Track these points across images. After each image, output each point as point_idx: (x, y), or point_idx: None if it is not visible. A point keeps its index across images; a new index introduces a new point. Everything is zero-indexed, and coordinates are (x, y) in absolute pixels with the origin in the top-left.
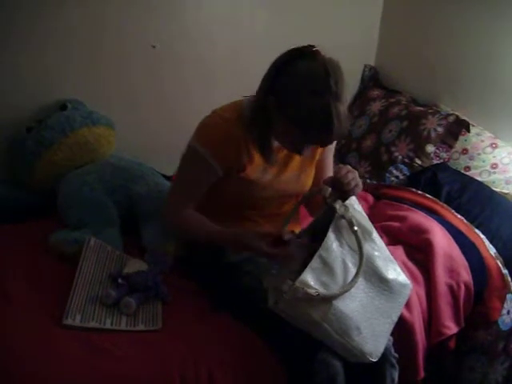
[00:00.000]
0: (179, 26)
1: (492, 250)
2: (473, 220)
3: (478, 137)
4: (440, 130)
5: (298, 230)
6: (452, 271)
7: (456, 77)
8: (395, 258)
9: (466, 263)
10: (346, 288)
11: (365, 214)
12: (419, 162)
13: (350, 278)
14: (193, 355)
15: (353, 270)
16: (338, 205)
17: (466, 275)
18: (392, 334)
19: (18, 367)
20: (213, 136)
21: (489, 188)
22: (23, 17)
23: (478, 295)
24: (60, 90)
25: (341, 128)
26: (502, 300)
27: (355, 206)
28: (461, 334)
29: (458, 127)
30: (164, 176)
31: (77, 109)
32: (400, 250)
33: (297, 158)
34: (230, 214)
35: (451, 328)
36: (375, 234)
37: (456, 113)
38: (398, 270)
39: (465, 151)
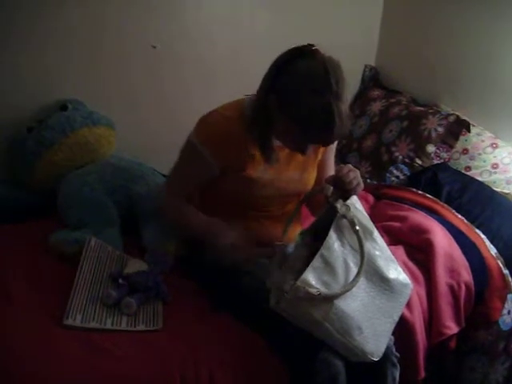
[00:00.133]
0: (179, 26)
1: (493, 250)
2: (473, 220)
3: (479, 137)
4: (440, 130)
5: (299, 230)
6: (453, 271)
7: (456, 77)
8: (396, 258)
9: (466, 263)
10: (348, 287)
11: (366, 214)
12: (420, 161)
13: (351, 278)
14: (193, 355)
15: (354, 270)
16: (339, 204)
17: (466, 275)
18: (393, 334)
19: (18, 367)
20: (212, 134)
21: (489, 188)
22: (23, 17)
23: (479, 295)
24: (60, 90)
25: (342, 127)
26: (503, 300)
27: (356, 206)
28: (461, 334)
29: (458, 127)
30: (164, 176)
31: (77, 109)
32: (401, 249)
33: (299, 158)
34: (234, 214)
35: (452, 328)
36: (376, 234)
37: (456, 113)
38: (399, 269)
39: (465, 151)
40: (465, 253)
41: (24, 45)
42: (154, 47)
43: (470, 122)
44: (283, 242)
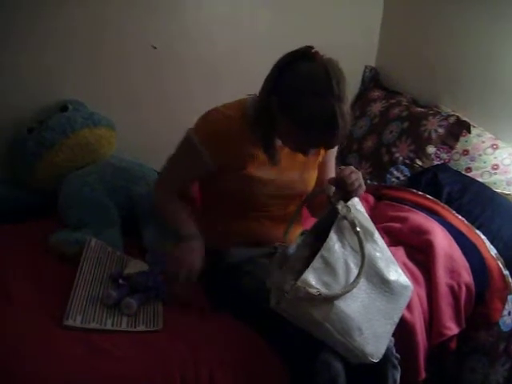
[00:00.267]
0: (179, 26)
1: (493, 251)
2: (474, 221)
3: (479, 138)
4: (441, 130)
5: (300, 231)
6: (453, 272)
7: (456, 77)
8: (396, 259)
9: (466, 264)
10: (348, 288)
11: (367, 215)
12: (420, 162)
13: (351, 279)
14: (193, 355)
15: (355, 271)
16: (340, 205)
17: (466, 276)
18: (393, 335)
19: (17, 367)
20: (212, 132)
21: (490, 189)
22: (23, 17)
23: (479, 296)
24: (61, 91)
25: (345, 129)
26: (503, 301)
27: (357, 207)
28: (462, 334)
29: (458, 128)
30: None
31: (78, 110)
32: (401, 250)
33: (299, 158)
34: (235, 214)
35: (452, 329)
36: (377, 235)
37: (457, 114)
38: (399, 271)
39: (465, 152)
40: (465, 254)
41: (24, 45)
42: (155, 47)
43: (471, 123)
44: (284, 242)
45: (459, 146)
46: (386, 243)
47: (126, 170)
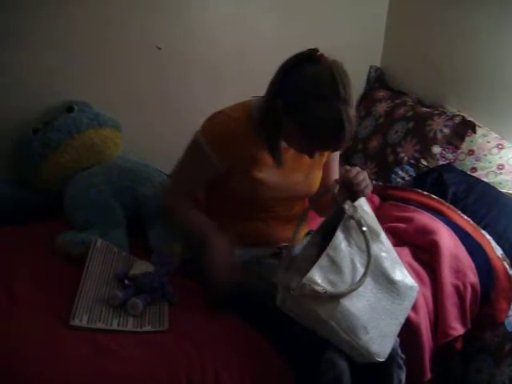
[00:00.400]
0: (184, 26)
1: (499, 251)
2: (479, 221)
3: (485, 138)
4: (446, 130)
5: (305, 231)
6: (458, 272)
7: (462, 77)
8: (401, 259)
9: (472, 264)
10: (354, 287)
11: (373, 216)
12: (425, 162)
13: (357, 278)
14: (199, 356)
15: (361, 270)
16: (347, 205)
17: (472, 276)
18: (398, 335)
19: (23, 367)
20: (218, 134)
21: (495, 189)
22: (23, 17)
23: (485, 296)
24: (66, 92)
25: (351, 132)
26: (509, 301)
27: (364, 207)
28: (467, 335)
29: (464, 128)
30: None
31: (83, 111)
32: (406, 250)
33: (304, 159)
34: (241, 215)
35: (457, 329)
36: (383, 236)
37: (462, 114)
38: (405, 272)
39: (471, 152)
40: (470, 254)
41: (24, 45)
42: (159, 48)
43: (476, 123)
44: (290, 243)
45: (464, 146)
46: (392, 243)
47: (132, 170)
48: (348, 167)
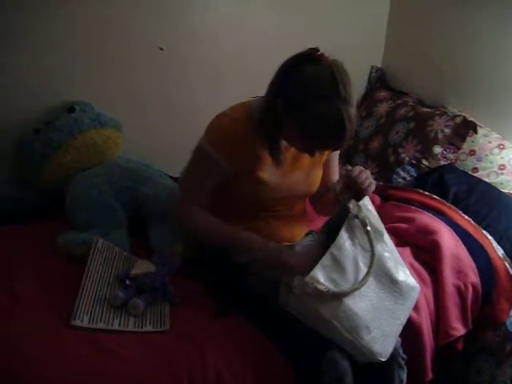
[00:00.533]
0: (185, 27)
1: (500, 252)
2: (480, 221)
3: (486, 138)
4: (447, 131)
5: (306, 230)
6: (459, 272)
7: (463, 78)
8: (403, 259)
9: (473, 264)
10: (357, 286)
11: (377, 216)
12: (426, 163)
13: (360, 277)
14: (201, 356)
15: (364, 270)
16: (351, 204)
17: (473, 276)
18: (400, 335)
19: (24, 367)
20: (223, 137)
21: (496, 189)
22: (23, 17)
23: (486, 297)
24: (66, 92)
25: (352, 131)
26: (510, 301)
27: (369, 207)
28: (468, 335)
29: (465, 128)
30: (171, 177)
31: (85, 111)
32: (407, 251)
33: (304, 159)
34: (243, 214)
35: (459, 329)
36: (386, 236)
37: (463, 114)
38: (407, 272)
39: (472, 152)
40: (472, 254)
41: (24, 45)
42: (162, 49)
43: (477, 123)
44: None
45: (466, 147)
46: (393, 243)
47: (133, 170)
48: (349, 167)
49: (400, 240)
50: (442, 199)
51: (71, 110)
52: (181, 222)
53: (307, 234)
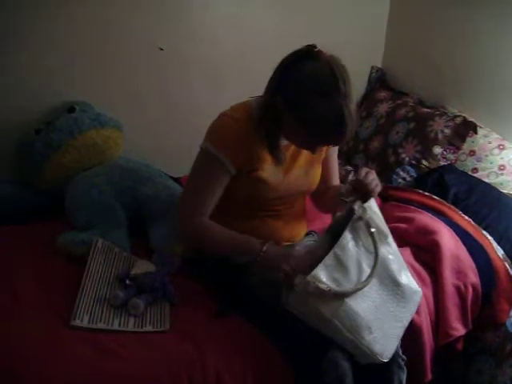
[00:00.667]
0: (185, 27)
1: (500, 252)
2: (480, 221)
3: (486, 138)
4: (447, 131)
5: (305, 230)
6: (459, 273)
7: (463, 78)
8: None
9: (473, 265)
10: (359, 286)
11: (382, 218)
12: (426, 163)
13: (363, 278)
14: (201, 356)
15: (367, 271)
16: (356, 206)
17: (473, 277)
18: None
19: (24, 367)
20: (225, 138)
21: (496, 190)
22: (23, 17)
23: (486, 297)
24: (67, 92)
25: (352, 127)
26: (510, 302)
27: (374, 209)
28: (468, 335)
29: (465, 129)
30: (171, 177)
31: (85, 111)
32: (407, 251)
33: (303, 156)
34: (242, 214)
35: (459, 330)
36: (391, 238)
37: (463, 114)
38: (410, 276)
39: (472, 153)
40: (472, 254)
41: (24, 45)
42: (162, 49)
43: (477, 124)
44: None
45: (466, 147)
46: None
47: (134, 170)
48: (349, 167)
49: (400, 240)
50: (441, 199)
51: (71, 109)
52: (184, 234)
53: (307, 234)
